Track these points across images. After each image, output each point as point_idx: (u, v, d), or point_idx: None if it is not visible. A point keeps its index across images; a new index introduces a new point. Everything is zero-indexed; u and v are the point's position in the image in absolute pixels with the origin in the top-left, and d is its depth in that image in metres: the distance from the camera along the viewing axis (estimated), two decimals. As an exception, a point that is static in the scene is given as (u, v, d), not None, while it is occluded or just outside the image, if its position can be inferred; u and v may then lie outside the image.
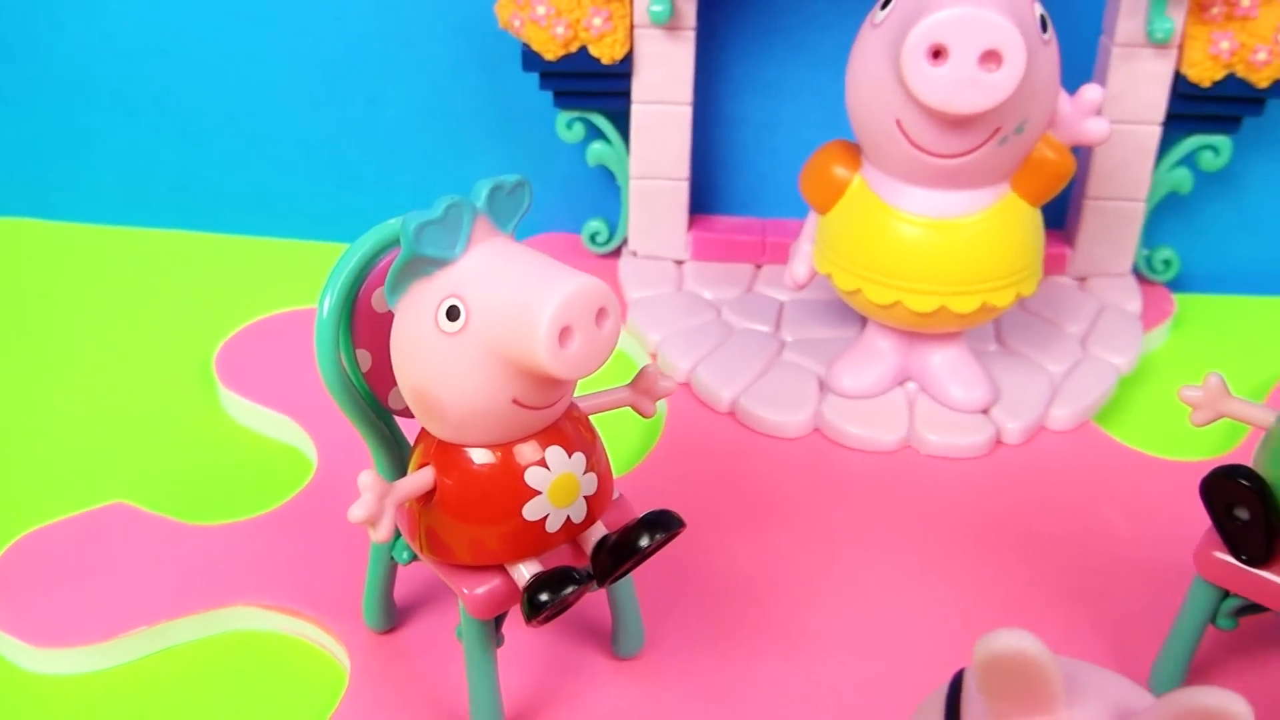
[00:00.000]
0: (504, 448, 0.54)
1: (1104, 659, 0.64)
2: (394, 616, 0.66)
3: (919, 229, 0.73)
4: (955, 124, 0.68)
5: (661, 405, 0.83)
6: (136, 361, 0.87)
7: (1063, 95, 0.72)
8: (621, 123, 0.90)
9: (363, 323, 0.56)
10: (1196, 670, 0.63)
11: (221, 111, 0.98)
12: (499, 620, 0.58)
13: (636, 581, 0.64)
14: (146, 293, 0.95)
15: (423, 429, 0.56)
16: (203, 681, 0.64)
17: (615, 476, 0.72)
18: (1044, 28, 0.68)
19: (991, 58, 0.63)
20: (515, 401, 0.52)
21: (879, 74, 0.69)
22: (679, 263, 0.93)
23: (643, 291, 0.90)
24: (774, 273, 0.92)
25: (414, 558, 0.61)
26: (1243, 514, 0.56)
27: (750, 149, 0.95)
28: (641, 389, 0.60)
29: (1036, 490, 0.75)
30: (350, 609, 0.66)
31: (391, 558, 0.63)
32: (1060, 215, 0.93)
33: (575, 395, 0.58)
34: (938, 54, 0.64)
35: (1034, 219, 0.75)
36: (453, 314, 0.51)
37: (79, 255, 1.00)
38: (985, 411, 0.79)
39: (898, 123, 0.70)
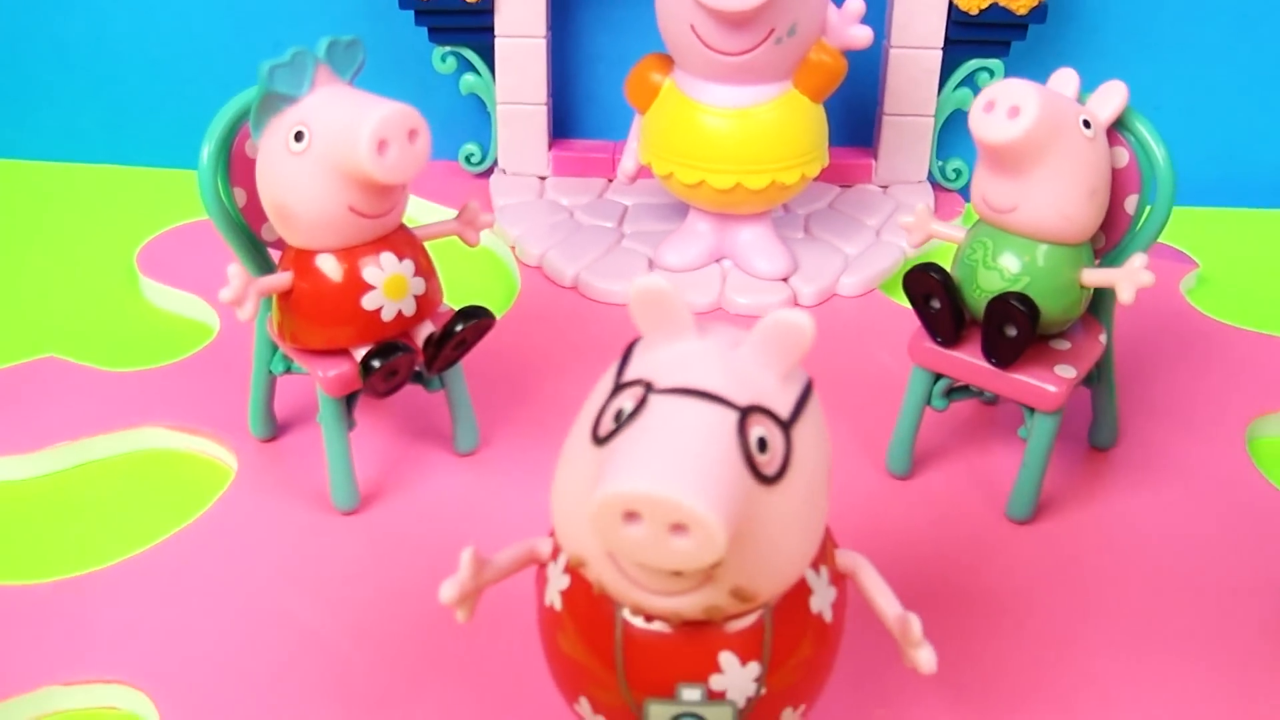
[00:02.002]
0: (346, 251, 0.68)
1: (854, 444, 0.79)
2: (275, 426, 0.80)
3: (717, 118, 0.88)
4: (735, 23, 0.83)
5: (513, 278, 0.98)
6: (72, 265, 1.01)
7: (831, 7, 0.88)
8: (489, 55, 1.05)
9: (238, 167, 0.71)
10: (920, 447, 0.78)
11: (146, 56, 1.12)
12: (350, 403, 0.72)
13: (477, 397, 0.79)
14: (82, 216, 1.09)
15: (284, 246, 0.70)
16: (116, 488, 0.77)
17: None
18: (807, -54, 0.84)
19: (755, -35, 0.80)
20: (352, 209, 0.66)
21: (676, -13, 0.85)
22: (542, 178, 1.08)
23: (509, 200, 1.05)
24: (621, 187, 1.07)
25: (286, 369, 0.76)
26: (936, 304, 0.71)
27: (603, 81, 1.10)
28: (465, 220, 0.75)
29: (829, 342, 0.90)
30: (240, 425, 0.80)
31: (269, 370, 0.77)
32: (866, 132, 1.09)
33: (412, 227, 0.73)
34: (712, -37, 0.80)
35: (815, 112, 0.90)
36: (299, 137, 0.65)
37: (21, 189, 1.14)
38: (785, 280, 0.94)
39: (692, 27, 0.85)
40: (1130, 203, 0.71)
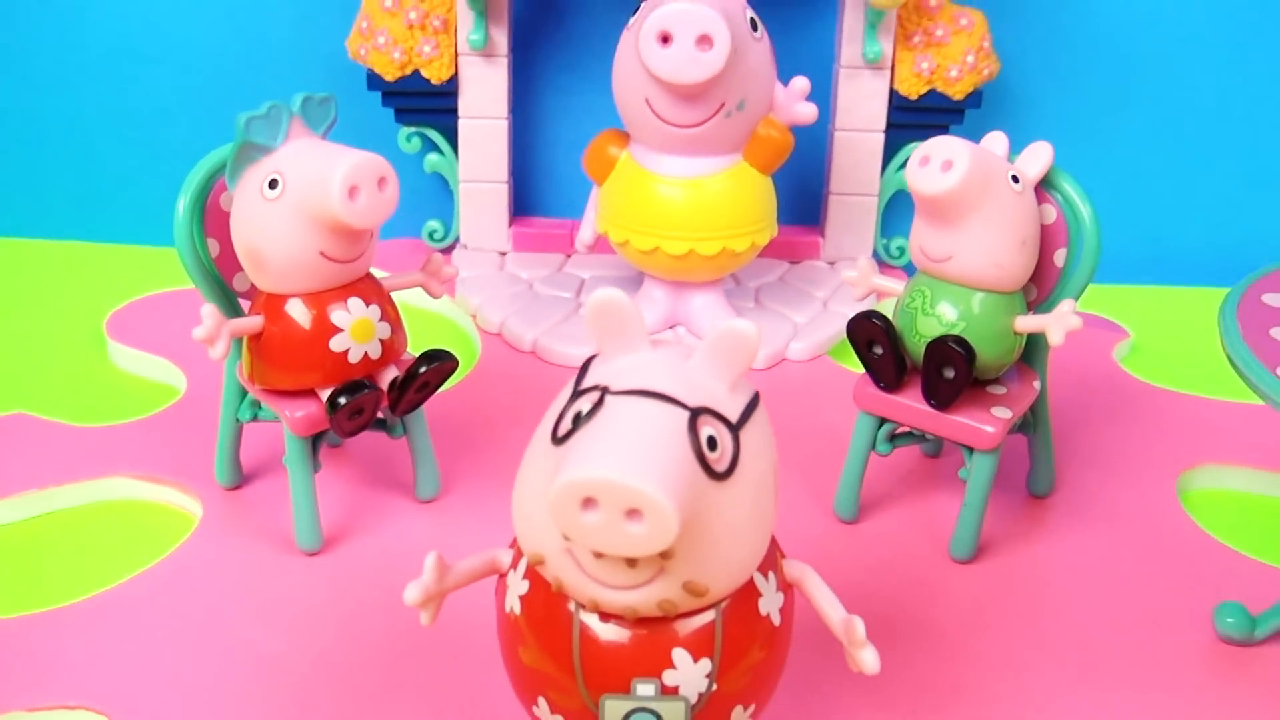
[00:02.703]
0: (315, 295, 0.71)
1: (804, 493, 0.82)
2: (240, 474, 0.82)
3: (671, 187, 0.93)
4: (687, 97, 0.88)
5: (474, 345, 1.01)
6: (41, 332, 1.04)
7: (778, 84, 0.93)
8: (452, 136, 1.09)
9: (212, 219, 0.74)
10: (867, 494, 0.81)
11: (117, 134, 1.16)
12: (316, 444, 0.75)
13: (440, 447, 0.82)
14: (51, 288, 1.12)
15: (255, 293, 0.73)
16: (82, 536, 0.79)
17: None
18: (754, 28, 0.89)
19: (705, 41, 0.85)
20: (322, 254, 0.70)
21: (631, 64, 0.90)
22: (502, 254, 1.12)
23: (471, 272, 1.08)
24: (580, 259, 1.11)
25: (253, 415, 0.78)
26: (878, 349, 0.75)
27: (561, 162, 1.15)
28: (430, 271, 0.78)
29: (779, 403, 0.93)
30: (206, 475, 0.82)
31: (236, 418, 0.79)
32: (814, 210, 1.14)
33: (379, 277, 0.76)
34: (665, 39, 0.85)
35: (764, 184, 0.95)
36: (273, 184, 0.69)
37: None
38: (737, 345, 0.97)
39: (647, 101, 0.90)
40: (1059, 256, 0.75)
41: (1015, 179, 0.71)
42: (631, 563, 0.49)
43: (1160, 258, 1.16)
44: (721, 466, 0.49)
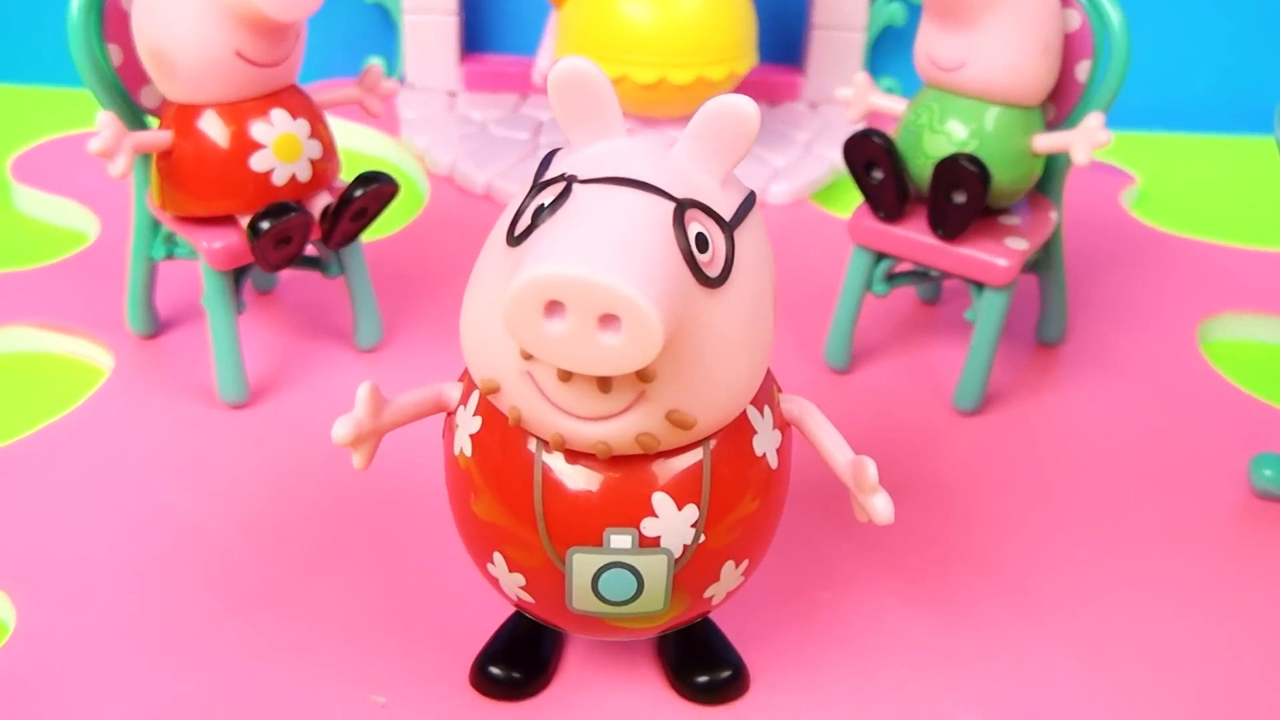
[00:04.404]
0: (233, 106, 0.61)
1: (790, 343, 0.74)
2: (156, 322, 0.72)
3: (639, 6, 0.83)
4: (659, -102, 0.78)
5: (421, 189, 0.91)
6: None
7: (761, -110, 0.83)
8: (395, -40, 0.98)
9: (113, 21, 0.63)
10: (859, 343, 0.73)
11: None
12: (239, 282, 0.65)
13: (383, 295, 0.73)
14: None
15: (166, 106, 0.63)
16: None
17: (378, 237, 0.81)
18: None
19: None
20: (239, 54, 0.60)
21: None
22: (452, 94, 1.02)
23: (417, 113, 0.98)
24: (540, 100, 1.01)
25: (169, 253, 0.68)
26: (878, 174, 0.66)
27: (517, -7, 1.04)
28: (366, 85, 0.68)
29: (755, 250, 0.85)
30: (118, 324, 0.73)
31: (149, 256, 0.69)
32: (795, 48, 1.04)
33: (311, 92, 0.66)
34: None
35: (743, 5, 0.85)
36: (179, -30, 0.58)
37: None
38: (712, 187, 0.88)
39: (613, -95, 0.80)
40: (1082, 69, 0.66)
41: (1039, -26, 0.62)
42: (605, 386, 0.40)
43: (1168, 103, 1.07)
44: (714, 271, 0.40)
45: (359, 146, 0.97)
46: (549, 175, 0.42)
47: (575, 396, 0.41)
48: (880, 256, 0.68)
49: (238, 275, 0.65)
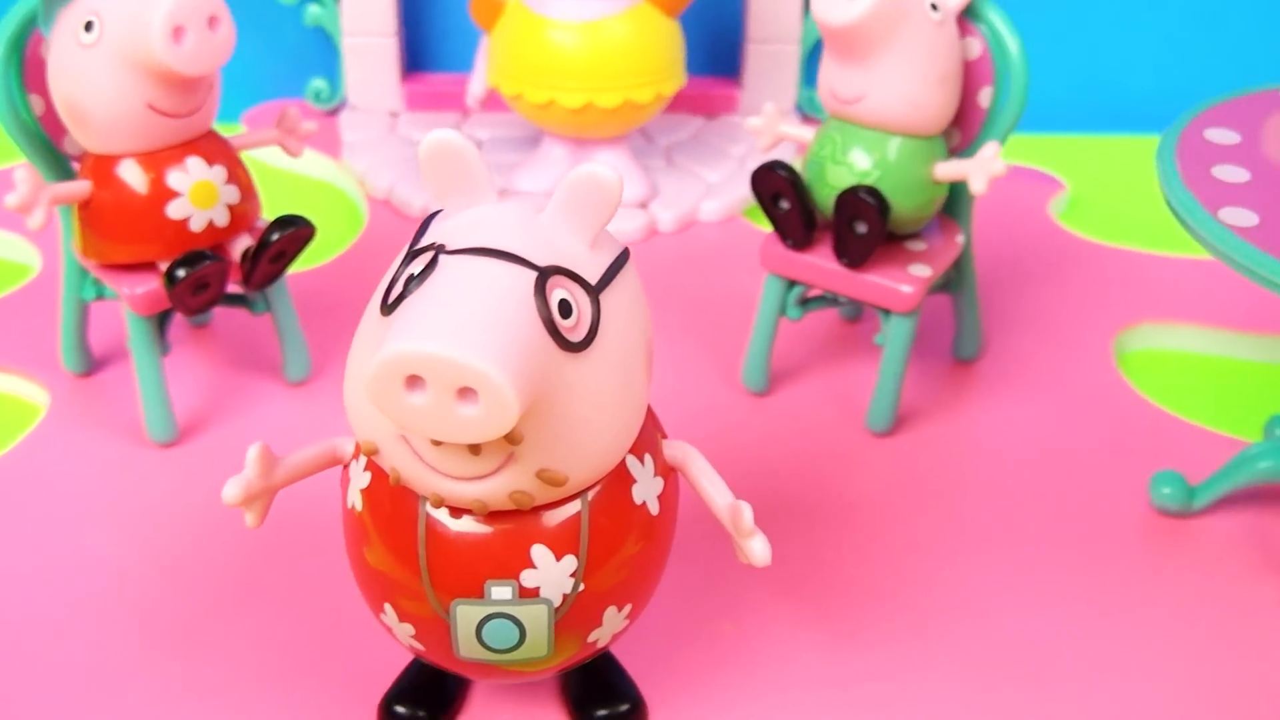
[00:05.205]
0: (149, 155, 0.63)
1: (712, 365, 0.75)
2: (90, 360, 0.74)
3: (565, 32, 0.84)
4: (577, -72, 0.79)
5: (361, 213, 0.93)
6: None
7: (683, -85, 0.84)
8: (333, -16, 0.99)
9: (33, 72, 0.65)
10: (778, 364, 0.75)
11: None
12: (163, 325, 0.67)
13: (312, 326, 0.74)
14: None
15: (85, 155, 0.65)
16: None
17: (314, 265, 0.82)
18: None
19: None
20: (151, 107, 0.61)
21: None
22: (394, 114, 1.03)
23: (358, 135, 0.99)
24: (479, 119, 1.02)
25: (98, 294, 0.70)
26: (784, 204, 0.67)
27: (457, 11, 1.05)
28: (285, 128, 0.70)
29: (689, 267, 0.86)
30: (53, 362, 0.74)
31: (80, 297, 0.71)
32: (731, 61, 1.05)
33: (228, 136, 0.68)
34: None
35: (670, 27, 0.86)
36: (89, 27, 0.60)
37: None
38: (644, 206, 0.90)
39: (534, -66, 0.81)
40: (984, 95, 0.68)
41: (934, 7, 0.64)
42: (475, 449, 0.42)
43: (1100, 104, 1.08)
44: (577, 336, 0.42)
45: (302, 169, 0.98)
46: (423, 241, 0.44)
47: (448, 458, 0.42)
48: (793, 282, 0.70)
49: (162, 318, 0.67)
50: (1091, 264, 0.86)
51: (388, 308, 0.42)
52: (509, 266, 0.41)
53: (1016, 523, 0.65)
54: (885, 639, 0.57)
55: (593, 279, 0.43)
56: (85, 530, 0.62)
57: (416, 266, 0.42)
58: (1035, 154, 1.01)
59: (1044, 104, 1.06)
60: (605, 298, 0.43)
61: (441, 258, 0.42)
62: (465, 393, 0.39)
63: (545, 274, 0.41)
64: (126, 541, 0.62)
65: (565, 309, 0.41)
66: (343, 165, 0.97)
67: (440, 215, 0.46)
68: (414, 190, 0.91)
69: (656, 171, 0.94)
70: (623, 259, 0.45)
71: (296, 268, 0.79)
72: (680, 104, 1.01)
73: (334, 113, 1.04)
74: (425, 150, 0.44)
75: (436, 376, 0.38)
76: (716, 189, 0.93)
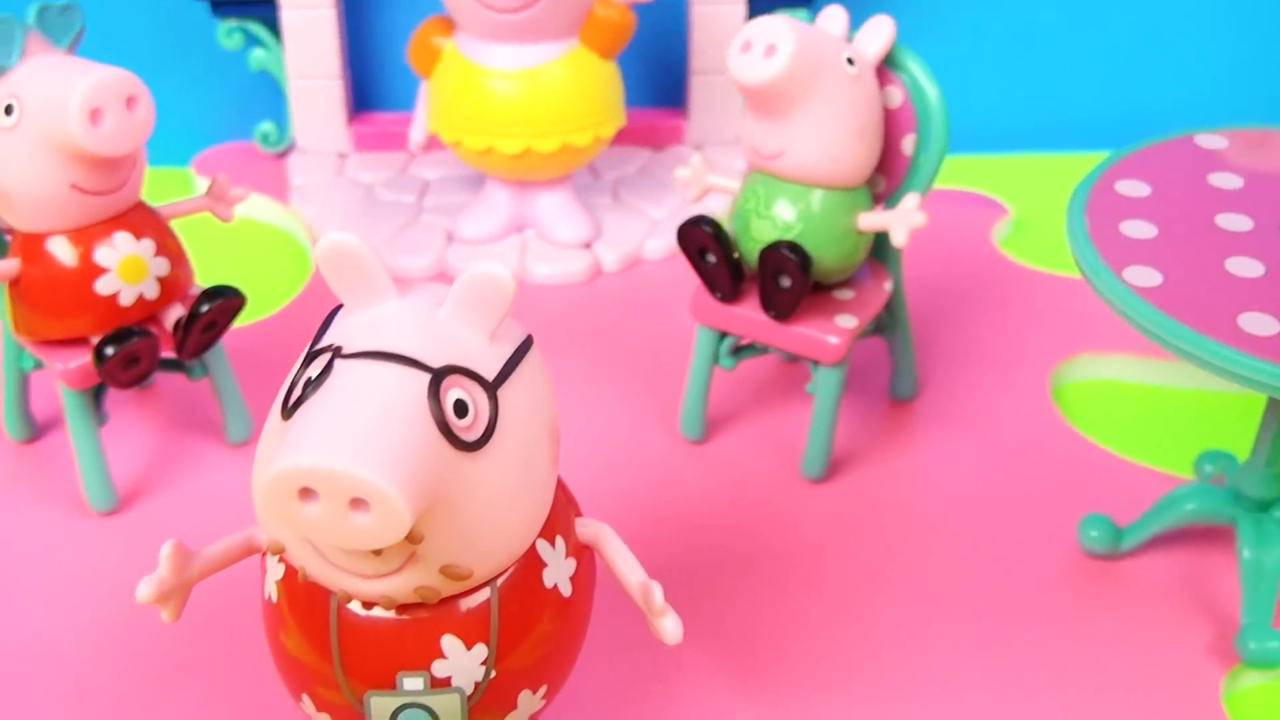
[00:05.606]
0: (77, 232, 0.63)
1: (651, 411, 0.76)
2: (33, 427, 0.74)
3: (501, 80, 0.84)
4: (511, -20, 0.80)
5: (308, 258, 0.93)
6: None
7: (614, -41, 0.85)
8: (276, 28, 1.00)
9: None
10: (716, 410, 0.75)
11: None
12: (98, 396, 0.68)
13: (254, 382, 0.75)
14: None
15: (14, 232, 0.65)
16: None
17: (259, 318, 0.82)
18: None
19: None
20: (75, 187, 0.62)
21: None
22: (343, 155, 1.03)
23: (306, 179, 1.00)
24: (426, 158, 1.02)
25: (38, 364, 0.70)
26: (711, 257, 0.68)
27: (401, 51, 1.05)
28: (215, 195, 0.70)
29: (631, 308, 0.87)
30: (-5, 428, 0.75)
31: (19, 367, 0.71)
32: (677, 91, 1.06)
33: (157, 204, 0.68)
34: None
35: (606, 70, 0.87)
36: (9, 110, 0.60)
37: None
38: (588, 246, 0.90)
39: (467, -16, 0.81)
40: (907, 144, 0.68)
41: (850, 61, 0.64)
42: (376, 550, 0.42)
43: (1045, 122, 1.09)
44: (473, 435, 0.42)
45: (251, 214, 0.99)
46: (324, 340, 0.44)
47: (351, 558, 0.43)
48: (725, 333, 0.71)
49: (97, 390, 0.67)
50: (1031, 293, 0.87)
51: (287, 411, 0.43)
52: (403, 370, 0.42)
53: (949, 568, 0.65)
54: (817, 694, 0.58)
55: (491, 374, 0.44)
56: (20, 602, 0.63)
57: (315, 369, 0.43)
58: (979, 176, 1.01)
59: (989, 123, 1.07)
60: (504, 392, 0.44)
61: (337, 362, 0.42)
62: (358, 503, 0.39)
63: (440, 375, 0.42)
64: (62, 613, 0.62)
65: (461, 409, 0.42)
66: (291, 210, 0.97)
67: (342, 311, 0.46)
68: (361, 236, 0.91)
69: (602, 209, 0.95)
70: (525, 347, 0.46)
71: (240, 321, 0.79)
72: (627, 136, 1.02)
73: (283, 155, 1.04)
74: (320, 254, 0.45)
75: (328, 489, 0.39)
76: (661, 225, 0.93)
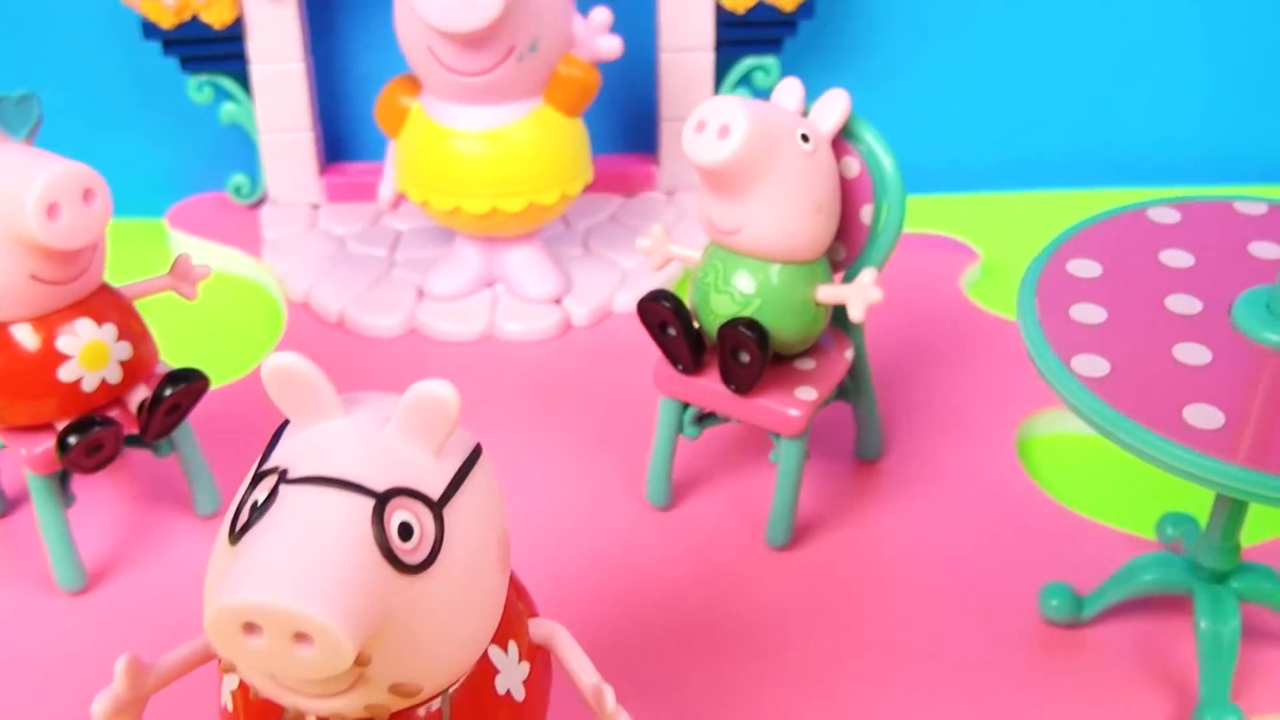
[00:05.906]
0: (39, 320, 0.64)
1: (619, 475, 0.76)
2: (4, 504, 0.75)
3: (465, 141, 0.85)
4: (469, 44, 0.80)
5: (281, 316, 0.93)
6: None
7: (578, 17, 0.85)
8: (246, 82, 1.00)
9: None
10: (682, 475, 0.76)
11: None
12: (65, 478, 0.68)
13: (225, 452, 0.75)
14: None
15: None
16: None
17: (232, 379, 0.83)
18: (540, -37, 0.81)
19: (480, -19, 0.76)
20: (34, 277, 0.62)
21: (408, 7, 0.81)
22: (315, 206, 1.04)
23: (278, 232, 1.00)
24: (398, 210, 1.03)
25: (3, 445, 0.71)
26: (672, 331, 0.68)
27: (372, 101, 1.06)
28: (178, 274, 0.70)
29: (600, 365, 0.87)
30: (-32, 503, 0.75)
31: (-13, 446, 0.72)
32: (648, 138, 1.06)
33: (121, 285, 0.68)
34: (435, -14, 0.77)
35: (571, 128, 0.87)
36: (-34, 205, 0.61)
37: None
38: (558, 301, 0.91)
39: (429, 48, 0.82)
40: (866, 213, 0.69)
41: (805, 138, 0.65)
42: None
43: (1017, 160, 1.09)
44: (417, 558, 0.43)
45: (225, 267, 0.99)
46: (271, 460, 0.45)
47: (300, 680, 0.43)
48: (687, 403, 0.71)
49: (63, 474, 0.68)
50: (999, 344, 0.87)
51: (235, 536, 0.43)
52: (346, 496, 0.42)
53: (912, 635, 0.66)
54: (774, 777, 0.59)
55: (436, 492, 0.44)
56: (-8, 691, 0.64)
57: (261, 493, 0.43)
58: (949, 217, 1.02)
59: (959, 161, 1.08)
60: (450, 510, 0.44)
61: (282, 488, 0.43)
62: (301, 636, 0.40)
63: (384, 499, 0.42)
64: (28, 696, 0.63)
65: (405, 532, 0.42)
66: (264, 265, 0.97)
67: (290, 427, 0.47)
68: (332, 293, 0.92)
69: (572, 261, 0.95)
70: (472, 459, 0.46)
71: (214, 383, 0.80)
72: (598, 183, 1.02)
73: (256, 206, 1.05)
74: (266, 375, 0.45)
75: (270, 624, 0.39)
76: (632, 277, 0.94)
